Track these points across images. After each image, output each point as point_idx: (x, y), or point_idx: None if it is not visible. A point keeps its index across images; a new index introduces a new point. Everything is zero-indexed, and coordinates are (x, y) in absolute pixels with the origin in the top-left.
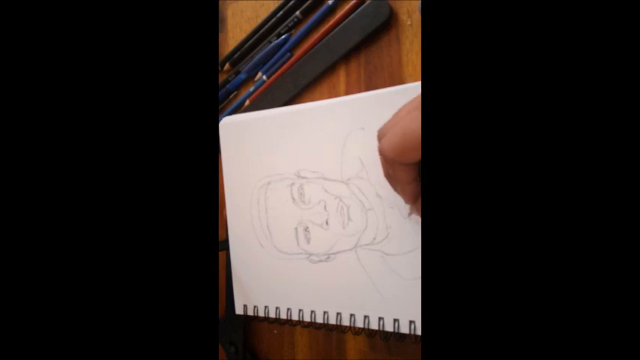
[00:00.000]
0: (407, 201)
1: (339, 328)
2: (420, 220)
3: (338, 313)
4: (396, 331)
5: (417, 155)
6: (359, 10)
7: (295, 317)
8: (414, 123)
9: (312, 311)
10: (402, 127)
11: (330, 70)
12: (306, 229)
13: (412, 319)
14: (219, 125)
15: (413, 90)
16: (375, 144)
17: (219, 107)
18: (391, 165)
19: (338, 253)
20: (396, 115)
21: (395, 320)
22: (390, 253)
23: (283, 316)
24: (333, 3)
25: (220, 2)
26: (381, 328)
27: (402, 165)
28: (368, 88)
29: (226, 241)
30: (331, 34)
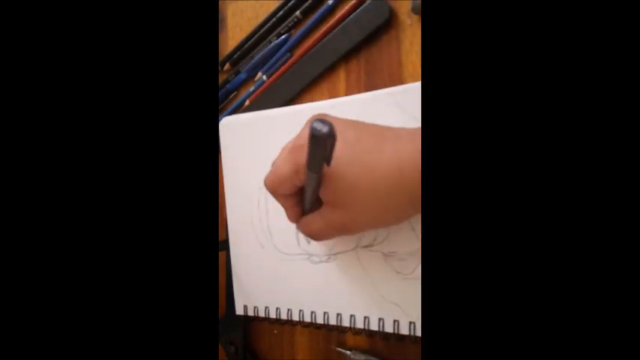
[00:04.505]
0: (290, 220)
1: (339, 329)
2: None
3: (338, 314)
4: (396, 332)
5: (286, 189)
6: (359, 10)
7: (295, 318)
8: (283, 164)
9: (312, 312)
10: (275, 165)
11: (330, 70)
12: None
13: (412, 321)
14: (219, 125)
15: (413, 90)
16: None
17: (219, 107)
18: (273, 195)
19: (338, 253)
20: (282, 150)
21: (395, 321)
22: (390, 253)
23: (283, 316)
24: (333, 3)
25: (220, 2)
26: (381, 329)
27: (280, 196)
28: (368, 88)
29: (226, 241)
30: (331, 34)
